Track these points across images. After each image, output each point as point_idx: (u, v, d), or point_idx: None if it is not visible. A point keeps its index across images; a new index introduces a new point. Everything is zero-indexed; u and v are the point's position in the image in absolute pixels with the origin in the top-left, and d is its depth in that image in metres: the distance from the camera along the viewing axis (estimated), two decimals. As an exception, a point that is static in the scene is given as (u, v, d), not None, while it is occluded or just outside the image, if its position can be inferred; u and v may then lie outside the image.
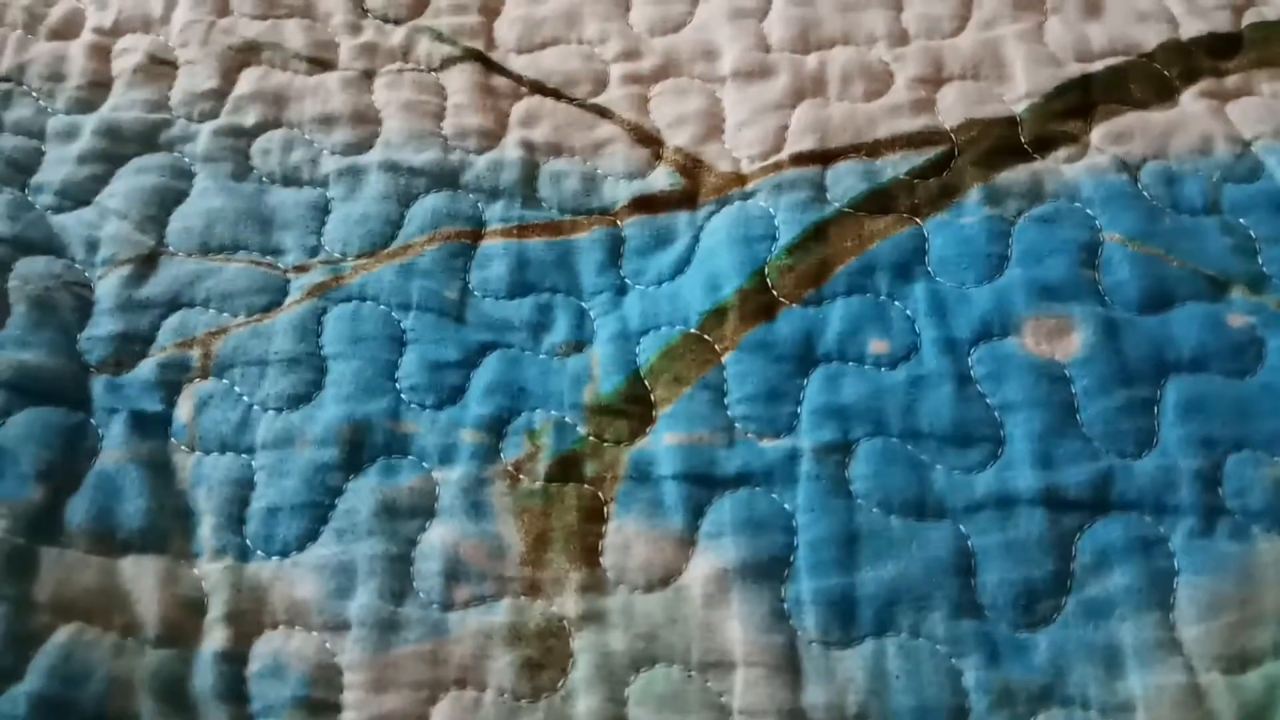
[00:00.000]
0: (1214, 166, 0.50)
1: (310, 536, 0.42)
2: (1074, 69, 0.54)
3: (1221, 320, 0.46)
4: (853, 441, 0.44)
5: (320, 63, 0.56)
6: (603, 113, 0.54)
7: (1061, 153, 0.51)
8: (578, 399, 0.45)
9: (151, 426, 0.44)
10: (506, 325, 0.47)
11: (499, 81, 0.55)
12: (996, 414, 0.44)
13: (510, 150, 0.52)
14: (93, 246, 0.49)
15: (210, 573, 0.41)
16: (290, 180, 0.52)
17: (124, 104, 0.53)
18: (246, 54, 0.56)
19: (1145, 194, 0.50)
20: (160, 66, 0.55)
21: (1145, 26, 0.56)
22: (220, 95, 0.54)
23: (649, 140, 0.53)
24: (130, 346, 0.46)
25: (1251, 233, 0.48)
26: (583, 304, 0.48)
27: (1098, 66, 0.54)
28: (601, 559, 0.42)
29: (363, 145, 0.53)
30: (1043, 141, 0.52)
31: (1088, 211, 0.49)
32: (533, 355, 0.47)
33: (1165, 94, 0.53)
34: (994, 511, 0.42)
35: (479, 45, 0.56)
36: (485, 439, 0.44)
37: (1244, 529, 0.41)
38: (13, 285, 0.47)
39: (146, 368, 0.45)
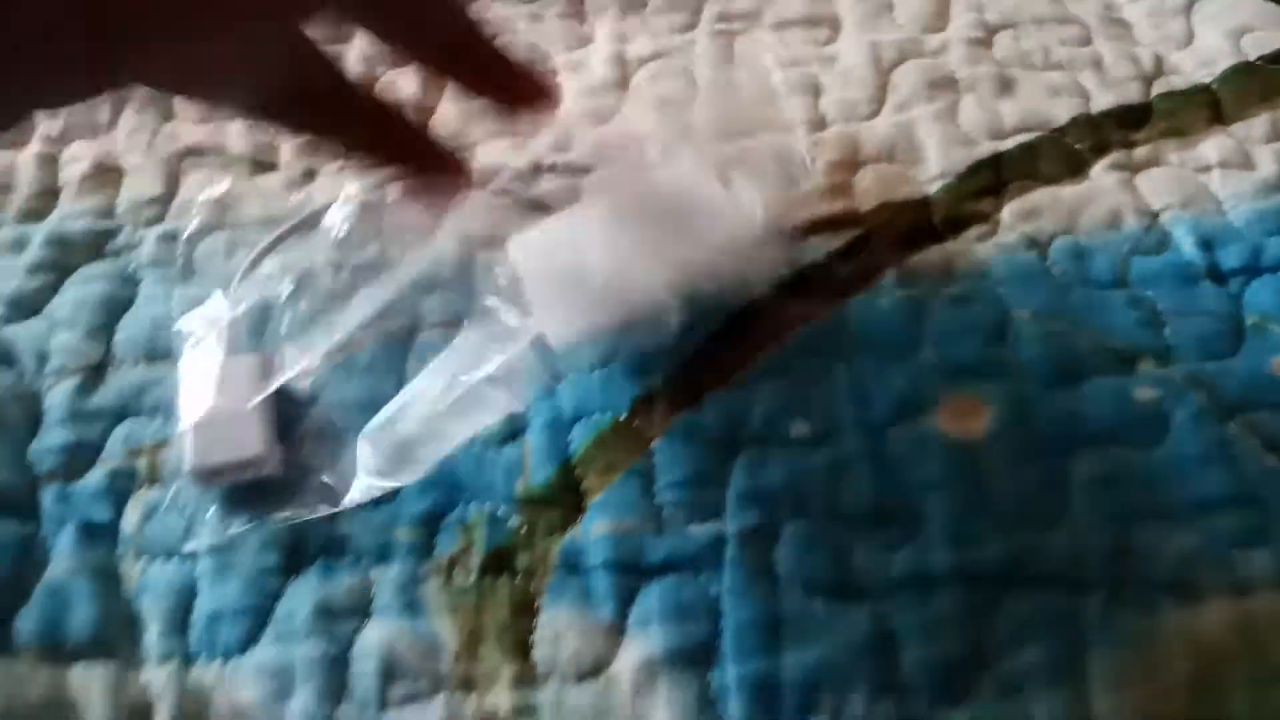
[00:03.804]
0: (1123, 240, 0.52)
1: (251, 640, 0.43)
2: (986, 147, 0.56)
3: (1129, 394, 0.47)
4: (777, 524, 0.45)
5: (262, 165, 0.57)
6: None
7: (973, 232, 0.53)
8: (511, 491, 0.47)
9: (100, 535, 0.45)
10: (442, 418, 0.49)
11: (436, 176, 0.57)
12: (914, 494, 0.45)
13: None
14: (42, 358, 0.50)
15: (156, 678, 0.42)
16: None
17: (72, 213, 0.55)
18: (190, 158, 0.57)
19: (1053, 270, 0.51)
20: (106, 174, 0.57)
21: (1057, 100, 0.57)
22: (164, 201, 0.56)
23: (580, 230, 0.55)
24: (81, 456, 0.47)
25: (1158, 305, 0.50)
26: (517, 393, 0.50)
27: (1009, 144, 0.56)
28: (533, 652, 0.43)
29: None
30: (954, 222, 0.53)
31: (998, 290, 0.51)
32: (466, 448, 0.48)
33: (1076, 168, 0.55)
34: (912, 590, 0.43)
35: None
36: (420, 535, 0.45)
37: (1152, 600, 0.42)
38: (-37, 400, 0.48)
39: (95, 476, 0.47)
